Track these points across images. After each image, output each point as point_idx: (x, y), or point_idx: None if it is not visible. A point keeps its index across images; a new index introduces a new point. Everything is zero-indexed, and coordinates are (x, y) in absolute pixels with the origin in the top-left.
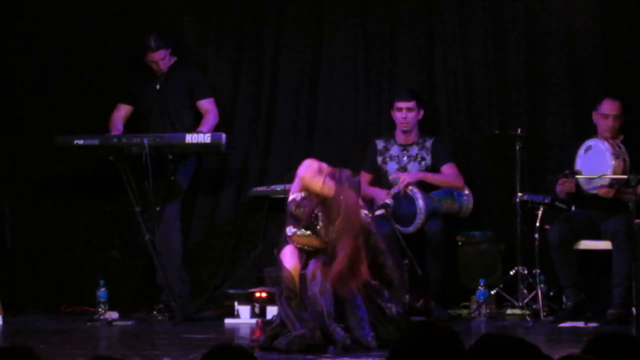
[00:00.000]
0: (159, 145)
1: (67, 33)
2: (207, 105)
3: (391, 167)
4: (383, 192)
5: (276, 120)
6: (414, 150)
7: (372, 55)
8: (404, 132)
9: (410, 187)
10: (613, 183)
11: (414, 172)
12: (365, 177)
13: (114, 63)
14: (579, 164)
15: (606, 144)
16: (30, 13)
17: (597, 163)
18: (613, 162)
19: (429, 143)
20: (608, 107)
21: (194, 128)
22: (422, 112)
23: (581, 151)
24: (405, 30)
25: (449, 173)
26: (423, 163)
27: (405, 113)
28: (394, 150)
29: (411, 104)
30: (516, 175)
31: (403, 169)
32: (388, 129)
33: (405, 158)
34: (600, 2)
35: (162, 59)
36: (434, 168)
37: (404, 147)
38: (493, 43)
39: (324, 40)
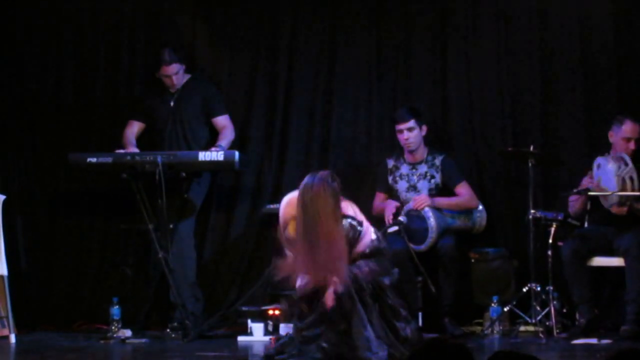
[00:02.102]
0: (172, 163)
1: (81, 50)
2: (223, 121)
3: (401, 185)
4: (392, 203)
5: (290, 138)
6: (423, 168)
7: (385, 71)
8: (410, 152)
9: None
10: (622, 201)
11: (432, 199)
12: (380, 196)
13: (128, 80)
14: (597, 179)
15: (610, 164)
16: (44, 30)
17: (607, 181)
18: (616, 183)
19: (438, 160)
20: (630, 130)
21: (209, 144)
22: (424, 128)
23: (594, 167)
24: (418, 45)
25: (462, 193)
26: (432, 181)
27: (406, 134)
28: (404, 169)
29: (410, 124)
30: (529, 191)
31: (413, 187)
32: (400, 147)
33: (414, 177)
34: (614, 20)
35: (175, 73)
36: (445, 186)
37: (413, 166)
38: (507, 59)
39: (337, 57)
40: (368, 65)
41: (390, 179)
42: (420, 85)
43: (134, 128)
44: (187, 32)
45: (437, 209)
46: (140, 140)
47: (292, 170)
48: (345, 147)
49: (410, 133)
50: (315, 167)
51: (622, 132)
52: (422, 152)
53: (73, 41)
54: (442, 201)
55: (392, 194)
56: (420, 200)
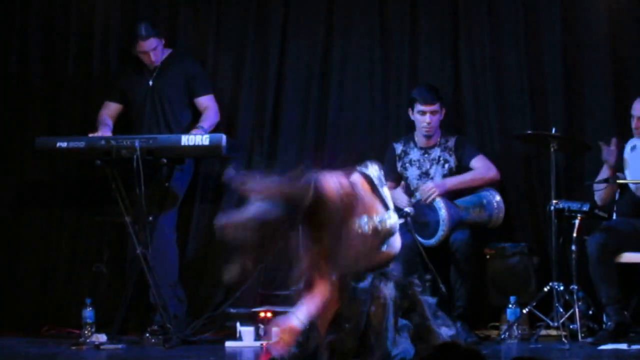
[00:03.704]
0: (152, 148)
1: (50, 23)
2: (206, 101)
3: (412, 172)
4: (400, 194)
5: (283, 121)
6: (436, 152)
7: (390, 48)
8: (427, 136)
9: None
10: None
11: (442, 182)
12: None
13: (102, 56)
14: (628, 163)
15: None
16: (9, 6)
17: None
18: None
19: (451, 142)
20: (637, 108)
21: (191, 128)
22: (444, 112)
23: (627, 149)
24: (427, 19)
25: (478, 166)
26: (446, 166)
27: (429, 117)
28: (414, 154)
29: (435, 107)
30: (551, 180)
31: (425, 174)
32: (407, 130)
33: (427, 162)
34: None
35: (153, 49)
36: (459, 170)
37: (425, 150)
38: (526, 33)
39: (336, 31)
40: (371, 41)
41: (398, 165)
42: (429, 63)
43: (110, 110)
44: (166, 3)
45: (449, 199)
46: (117, 124)
47: (285, 157)
48: (343, 132)
49: (434, 117)
50: (310, 152)
51: (633, 110)
52: (437, 136)
53: (40, 12)
54: (455, 181)
55: (400, 180)
56: (428, 191)
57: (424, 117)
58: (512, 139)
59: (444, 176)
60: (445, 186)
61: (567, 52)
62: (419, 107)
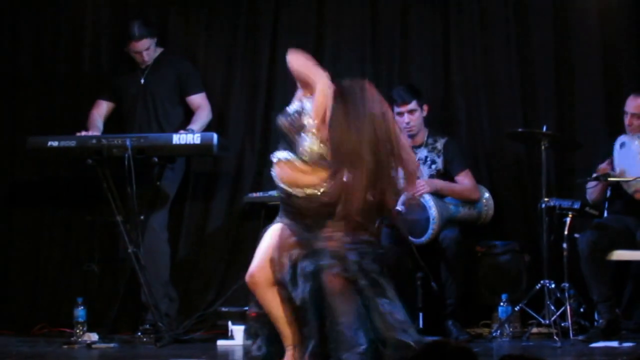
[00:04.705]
0: (143, 147)
1: (40, 21)
2: (198, 100)
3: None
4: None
5: (274, 119)
6: (423, 152)
7: (380, 45)
8: (410, 136)
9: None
10: None
11: (431, 180)
12: None
13: (93, 55)
14: (616, 161)
15: (636, 143)
16: None
17: (630, 163)
18: None
19: (440, 144)
20: (630, 104)
21: (184, 127)
22: (426, 108)
23: (616, 145)
24: (417, 16)
25: (465, 184)
26: (434, 167)
27: (407, 117)
28: None
29: (412, 105)
30: (542, 178)
31: None
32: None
33: None
34: None
35: (146, 49)
36: (446, 171)
37: (412, 150)
38: (516, 29)
39: (327, 29)
40: (362, 40)
41: None
42: (419, 61)
43: (101, 108)
44: (157, 2)
45: (438, 197)
46: (108, 123)
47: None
48: None
49: (412, 116)
50: None
51: (625, 106)
52: (422, 135)
53: (30, 11)
54: (444, 185)
55: None
56: (427, 186)
57: (402, 117)
58: (503, 137)
59: (431, 176)
60: (434, 186)
61: (557, 49)
62: (396, 108)
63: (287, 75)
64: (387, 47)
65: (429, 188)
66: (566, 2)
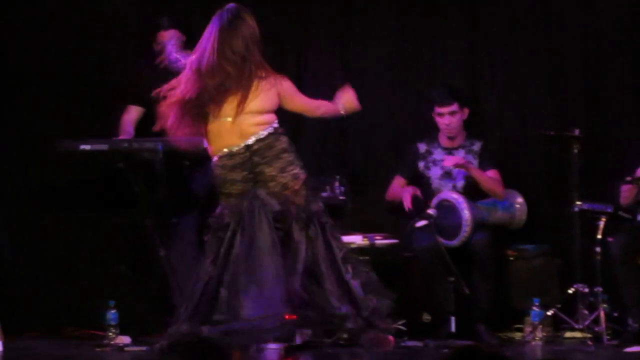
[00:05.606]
0: (174, 151)
1: (70, 29)
2: None
3: (434, 172)
4: (411, 189)
5: (302, 123)
6: (460, 154)
7: (409, 47)
8: (450, 138)
9: (454, 196)
10: None
11: (468, 161)
12: (399, 181)
13: (123, 61)
14: None
15: None
16: (28, 8)
17: None
18: None
19: (477, 146)
20: None
21: None
22: (466, 111)
23: None
24: (446, 17)
25: (495, 178)
26: None
27: (447, 118)
28: (438, 154)
29: (453, 107)
30: (574, 181)
31: (447, 174)
32: (429, 130)
33: None
34: None
35: (172, 41)
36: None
37: (449, 151)
38: (546, 31)
39: (354, 30)
40: (389, 40)
41: (421, 165)
42: (448, 61)
43: (132, 114)
44: (182, 8)
45: (472, 201)
46: (139, 127)
47: (305, 159)
48: (364, 134)
49: (453, 117)
50: (330, 156)
51: None
52: (461, 137)
53: (61, 19)
54: (477, 172)
55: (421, 181)
56: (454, 159)
57: (442, 119)
58: (533, 139)
59: (466, 177)
60: (470, 164)
61: (588, 51)
62: (437, 109)
63: (314, 78)
64: (415, 49)
65: (465, 163)
66: (595, 2)
